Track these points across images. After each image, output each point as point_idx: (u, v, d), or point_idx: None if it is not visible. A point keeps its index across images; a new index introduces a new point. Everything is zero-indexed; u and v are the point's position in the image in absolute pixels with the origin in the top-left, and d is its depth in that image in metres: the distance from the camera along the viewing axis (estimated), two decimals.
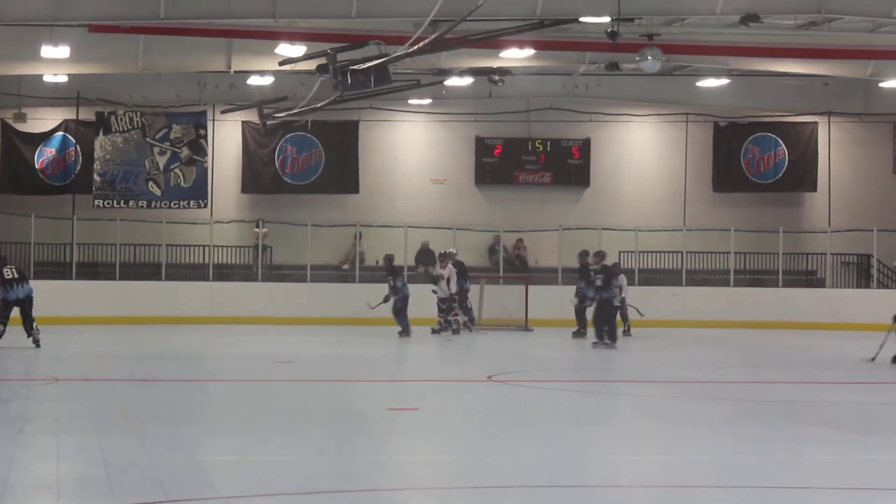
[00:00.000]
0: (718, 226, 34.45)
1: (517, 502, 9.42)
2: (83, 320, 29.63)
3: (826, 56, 29.25)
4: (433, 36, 19.02)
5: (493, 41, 24.60)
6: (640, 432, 13.17)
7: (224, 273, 33.16)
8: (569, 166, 35.65)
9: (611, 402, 16.61)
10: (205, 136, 33.53)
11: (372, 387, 17.80)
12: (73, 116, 33.17)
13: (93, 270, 32.58)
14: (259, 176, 34.39)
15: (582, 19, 24.48)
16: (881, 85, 32.74)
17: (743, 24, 24.75)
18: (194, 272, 32.65)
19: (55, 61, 27.66)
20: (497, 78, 28.33)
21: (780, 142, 35.93)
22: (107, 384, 17.09)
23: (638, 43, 25.67)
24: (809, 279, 35.08)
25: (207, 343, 25.81)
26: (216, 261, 33.10)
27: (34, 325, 22.31)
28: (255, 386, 17.64)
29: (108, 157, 33.00)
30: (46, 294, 27.56)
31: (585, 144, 35.64)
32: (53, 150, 33.27)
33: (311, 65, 22.14)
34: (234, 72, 29.49)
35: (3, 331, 22.31)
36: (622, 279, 28.15)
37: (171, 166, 33.29)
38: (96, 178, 32.87)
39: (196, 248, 33.37)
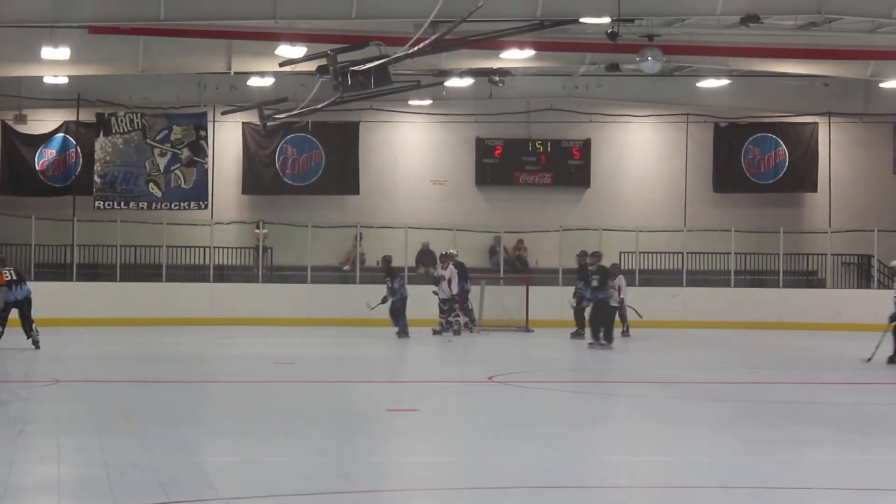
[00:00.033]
0: (719, 226, 34.47)
1: (517, 503, 9.42)
2: (84, 322, 29.63)
3: (826, 56, 29.24)
4: (433, 37, 19.01)
5: (493, 42, 24.60)
6: (640, 433, 13.17)
7: (224, 274, 33.18)
8: (569, 167, 35.66)
9: (611, 403, 16.61)
10: (205, 138, 33.54)
11: (372, 388, 17.80)
12: (73, 118, 33.18)
13: (93, 272, 32.59)
14: (259, 177, 34.40)
15: (582, 20, 24.49)
16: (881, 85, 32.74)
17: (743, 25, 24.76)
18: (195, 273, 32.66)
19: (55, 63, 27.67)
20: (497, 79, 28.31)
21: (781, 142, 35.94)
22: (107, 385, 17.10)
23: (638, 44, 25.67)
24: (810, 280, 35.07)
25: (208, 344, 25.81)
26: (217, 262, 33.11)
27: (33, 326, 22.34)
28: (255, 387, 17.64)
29: (108, 158, 33.01)
30: (47, 295, 27.59)
31: (586, 145, 35.65)
32: (54, 151, 33.28)
33: (311, 66, 22.13)
34: (235, 73, 29.50)
35: (2, 332, 22.33)
36: (621, 280, 28.13)
37: (172, 167, 33.30)
38: (97, 179, 32.88)
39: (196, 249, 33.37)
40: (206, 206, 33.53)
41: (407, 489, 9.93)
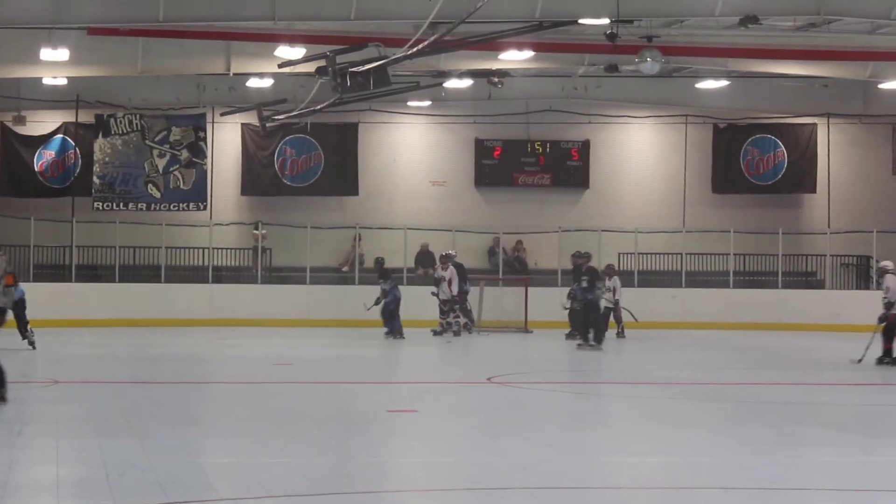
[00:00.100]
0: (718, 227, 34.46)
1: (516, 503, 9.44)
2: (83, 322, 29.63)
3: (825, 57, 29.24)
4: (432, 38, 19.02)
5: (492, 43, 24.60)
6: (640, 434, 13.17)
7: (224, 275, 33.17)
8: (568, 168, 35.65)
9: (610, 403, 16.61)
10: (204, 139, 33.53)
11: (371, 388, 17.80)
12: (72, 119, 33.17)
13: (92, 273, 32.58)
14: (258, 178, 34.40)
15: (581, 21, 24.50)
16: (880, 86, 32.73)
17: (742, 26, 24.76)
18: (194, 274, 32.64)
19: (54, 64, 27.66)
20: (496, 80, 28.30)
21: (780, 143, 35.94)
22: (106, 386, 17.11)
23: (637, 45, 25.67)
24: (809, 280, 35.07)
25: (207, 345, 25.81)
26: (216, 263, 33.11)
27: (28, 326, 22.34)
28: (254, 388, 17.64)
29: (107, 159, 33.00)
30: (46, 296, 27.64)
31: (585, 146, 35.64)
32: (53, 152, 33.27)
33: (310, 67, 22.15)
34: (234, 74, 29.50)
35: None
36: (616, 281, 28.17)
37: (171, 169, 33.29)
38: (96, 180, 32.87)
39: (196, 250, 33.36)
40: (205, 207, 33.53)
41: (406, 490, 9.94)
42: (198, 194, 33.41)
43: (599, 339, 24.51)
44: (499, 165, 35.46)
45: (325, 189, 34.43)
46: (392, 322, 27.14)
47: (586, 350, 24.08)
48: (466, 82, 30.79)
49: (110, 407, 14.65)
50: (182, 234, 33.30)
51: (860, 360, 20.97)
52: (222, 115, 31.71)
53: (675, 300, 33.01)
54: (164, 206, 33.24)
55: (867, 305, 21.75)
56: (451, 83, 30.20)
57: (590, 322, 24.56)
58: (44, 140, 33.26)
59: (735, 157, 35.84)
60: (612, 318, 28.03)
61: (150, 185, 33.17)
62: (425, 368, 22.12)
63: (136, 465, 10.33)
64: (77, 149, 33.18)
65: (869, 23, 26.65)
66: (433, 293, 28.26)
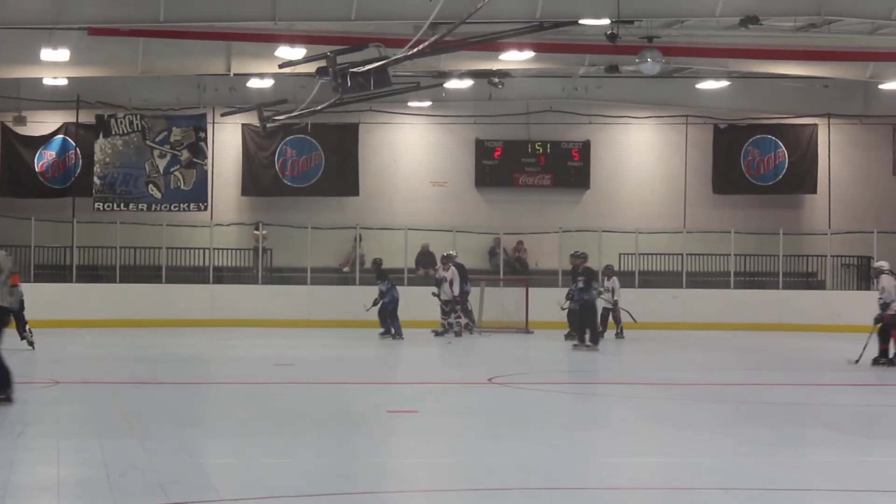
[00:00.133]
0: (718, 228, 34.47)
1: None
2: (84, 323, 29.63)
3: (825, 58, 29.25)
4: (433, 38, 19.02)
5: (492, 43, 24.61)
6: (640, 434, 13.17)
7: (224, 275, 33.18)
8: (568, 168, 35.66)
9: (610, 404, 16.61)
10: (205, 139, 33.55)
11: (372, 389, 17.80)
12: (72, 119, 33.19)
13: (93, 273, 32.61)
14: (259, 178, 34.41)
15: (581, 21, 24.49)
16: (881, 87, 32.74)
17: (742, 26, 24.77)
18: (195, 275, 32.66)
19: (55, 64, 27.68)
20: (497, 80, 28.33)
21: (780, 144, 35.95)
22: (107, 387, 17.11)
23: (637, 45, 25.67)
24: (809, 281, 35.07)
25: (208, 345, 25.81)
26: (216, 263, 33.12)
27: (26, 327, 22.35)
28: (255, 388, 17.64)
29: (108, 160, 33.01)
30: (47, 297, 27.68)
31: (585, 147, 35.65)
32: (53, 153, 33.28)
33: (310, 67, 22.17)
34: (234, 74, 29.51)
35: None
36: (615, 282, 28.17)
37: (171, 169, 33.30)
38: (96, 181, 32.88)
39: (196, 250, 33.37)
40: (205, 208, 33.55)
41: (407, 490, 9.94)
42: (198, 195, 33.43)
43: (595, 339, 24.49)
44: (499, 166, 35.47)
45: (325, 189, 34.44)
46: (389, 322, 27.14)
47: (582, 351, 24.06)
48: (467, 83, 30.81)
49: (111, 407, 14.65)
50: (183, 235, 33.32)
51: (857, 361, 20.99)
52: (223, 115, 31.73)
53: (676, 301, 33.01)
54: (165, 207, 33.26)
55: (868, 306, 21.73)
56: (452, 84, 30.21)
57: (586, 323, 24.55)
58: (44, 140, 33.28)
59: (736, 157, 35.85)
60: (610, 319, 28.06)
61: (150, 186, 33.18)
62: (426, 369, 22.11)
63: (137, 465, 10.33)
64: (78, 149, 33.20)
65: (869, 23, 26.66)
66: (434, 294, 28.28)
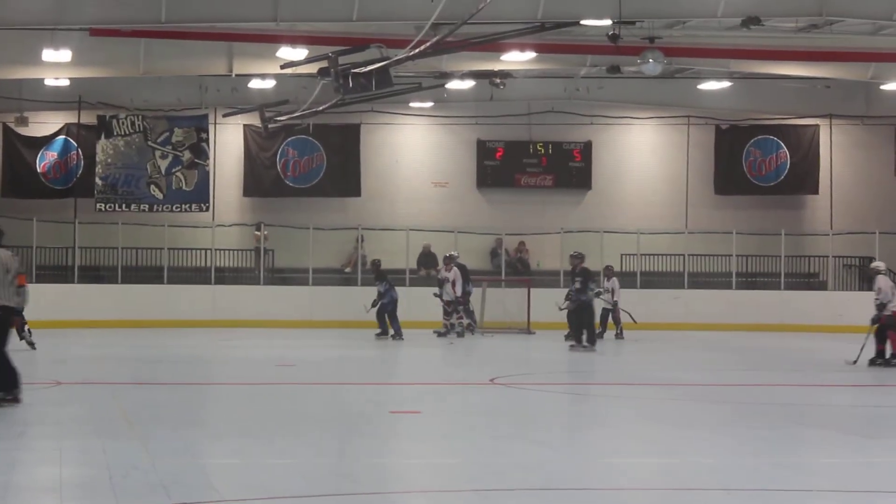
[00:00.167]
0: (720, 228, 34.48)
1: None
2: (85, 324, 29.65)
3: (827, 59, 29.24)
4: (434, 39, 19.03)
5: (494, 44, 24.62)
6: (641, 435, 13.17)
7: (226, 276, 33.20)
8: (570, 169, 35.67)
9: (612, 404, 16.61)
10: (206, 140, 33.57)
11: (374, 389, 17.80)
12: (74, 120, 33.21)
13: (95, 274, 32.63)
14: (261, 179, 34.42)
15: (583, 22, 24.49)
16: (882, 87, 32.74)
17: (744, 27, 24.77)
18: (196, 275, 32.67)
19: (56, 65, 27.70)
20: (498, 81, 28.34)
21: (782, 144, 35.96)
22: (109, 387, 17.12)
23: (639, 46, 25.68)
24: (811, 282, 35.07)
25: (209, 346, 25.82)
26: (218, 264, 33.13)
27: (25, 327, 22.37)
28: (257, 389, 17.65)
29: (109, 160, 33.04)
30: (49, 298, 27.67)
31: (587, 147, 35.65)
32: (55, 153, 33.31)
33: (312, 68, 22.15)
34: (236, 75, 29.51)
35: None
36: (615, 282, 28.17)
37: (173, 170, 33.32)
38: (98, 181, 32.91)
39: (198, 251, 33.39)
40: (207, 209, 33.57)
41: (409, 491, 9.95)
42: (200, 195, 33.45)
43: (592, 340, 24.48)
44: (501, 166, 35.48)
45: (327, 190, 34.46)
46: (387, 323, 27.15)
47: (579, 352, 24.06)
48: (468, 83, 30.82)
49: (113, 408, 14.66)
50: (184, 236, 33.33)
51: (855, 362, 21.01)
52: (224, 116, 31.74)
53: (678, 301, 33.02)
54: (167, 208, 33.28)
55: (869, 307, 21.73)
56: (454, 84, 30.23)
57: (583, 323, 24.55)
58: (46, 141, 33.31)
59: (737, 158, 35.85)
60: (610, 320, 28.05)
61: (152, 186, 33.20)
62: (428, 369, 22.12)
63: (139, 466, 10.34)
64: (79, 150, 33.23)
65: (871, 24, 26.65)
66: (435, 294, 28.30)
